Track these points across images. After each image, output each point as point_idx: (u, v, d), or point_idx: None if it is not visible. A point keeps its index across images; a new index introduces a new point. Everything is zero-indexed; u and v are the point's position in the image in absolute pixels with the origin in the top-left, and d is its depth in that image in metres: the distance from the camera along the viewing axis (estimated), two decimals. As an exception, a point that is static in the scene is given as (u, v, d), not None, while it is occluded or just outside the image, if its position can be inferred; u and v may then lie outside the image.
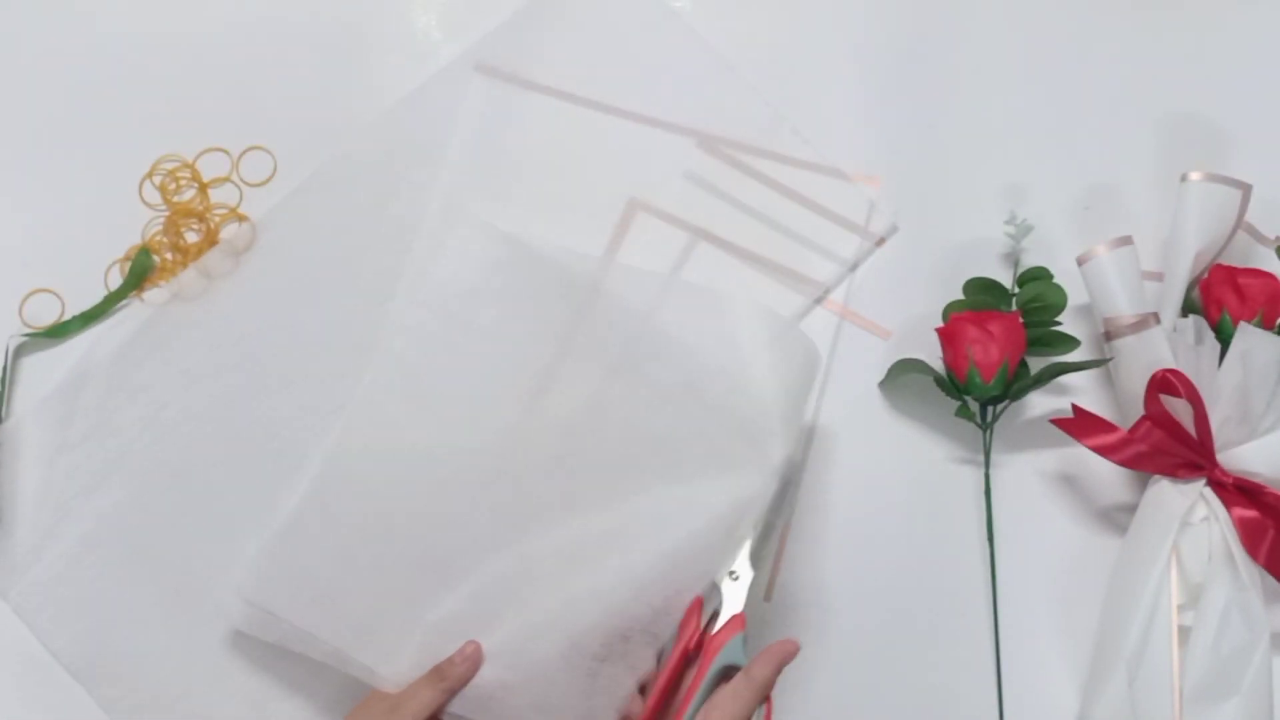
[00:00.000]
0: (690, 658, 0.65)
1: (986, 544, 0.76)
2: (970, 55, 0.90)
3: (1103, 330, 0.78)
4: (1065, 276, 0.79)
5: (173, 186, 0.85)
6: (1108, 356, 0.78)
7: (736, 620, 0.66)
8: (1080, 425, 0.74)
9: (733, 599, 0.66)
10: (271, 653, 0.70)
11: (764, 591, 0.76)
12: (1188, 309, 0.79)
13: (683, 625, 0.65)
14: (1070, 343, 0.78)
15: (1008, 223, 0.81)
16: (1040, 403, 0.80)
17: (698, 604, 0.66)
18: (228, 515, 0.75)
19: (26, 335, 0.80)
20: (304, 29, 0.89)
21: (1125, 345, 0.76)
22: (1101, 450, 0.73)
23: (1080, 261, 0.78)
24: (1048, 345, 0.78)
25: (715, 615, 0.66)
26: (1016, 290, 0.81)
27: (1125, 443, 0.73)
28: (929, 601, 0.75)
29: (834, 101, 0.89)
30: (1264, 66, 0.90)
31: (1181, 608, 0.71)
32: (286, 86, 0.88)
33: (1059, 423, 0.75)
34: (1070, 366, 0.77)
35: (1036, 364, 0.78)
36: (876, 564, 0.77)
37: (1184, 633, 0.71)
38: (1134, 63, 0.90)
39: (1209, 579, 0.71)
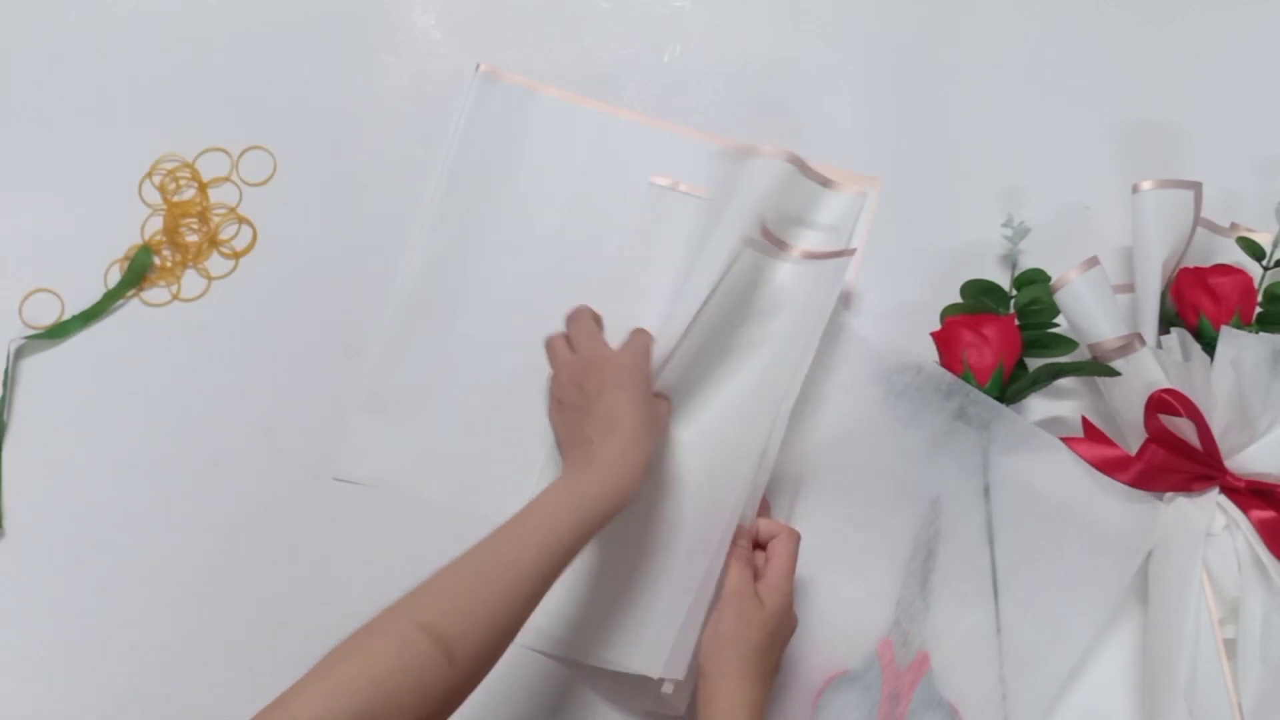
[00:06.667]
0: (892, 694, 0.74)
1: (987, 546, 0.77)
2: (969, 59, 0.90)
3: (1090, 357, 0.78)
4: (1054, 263, 0.79)
5: (173, 186, 0.85)
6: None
7: (923, 657, 0.73)
8: (1089, 445, 0.74)
9: (916, 637, 0.74)
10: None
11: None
12: (1163, 317, 0.79)
13: (884, 667, 0.73)
14: (1068, 344, 0.78)
15: (1005, 225, 0.82)
16: (1040, 406, 0.80)
17: (888, 645, 0.73)
18: None
19: (27, 337, 0.80)
20: (304, 29, 0.89)
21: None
22: (1110, 470, 0.74)
23: (1053, 289, 0.77)
24: (1045, 347, 0.78)
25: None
26: (1014, 293, 0.81)
27: (1134, 464, 0.74)
28: (931, 600, 0.76)
29: (832, 103, 0.89)
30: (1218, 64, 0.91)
31: (1222, 622, 0.71)
32: (286, 86, 0.88)
33: (1070, 441, 0.75)
34: (1067, 368, 0.77)
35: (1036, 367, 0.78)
36: (877, 565, 0.77)
37: (1230, 646, 0.70)
38: (1134, 65, 0.90)
39: (1243, 589, 0.71)
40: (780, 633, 0.69)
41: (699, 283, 0.76)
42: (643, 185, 0.86)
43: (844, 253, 0.80)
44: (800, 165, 0.83)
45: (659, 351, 0.76)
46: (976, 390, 0.76)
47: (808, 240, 0.82)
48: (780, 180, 0.82)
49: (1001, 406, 0.76)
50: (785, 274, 0.81)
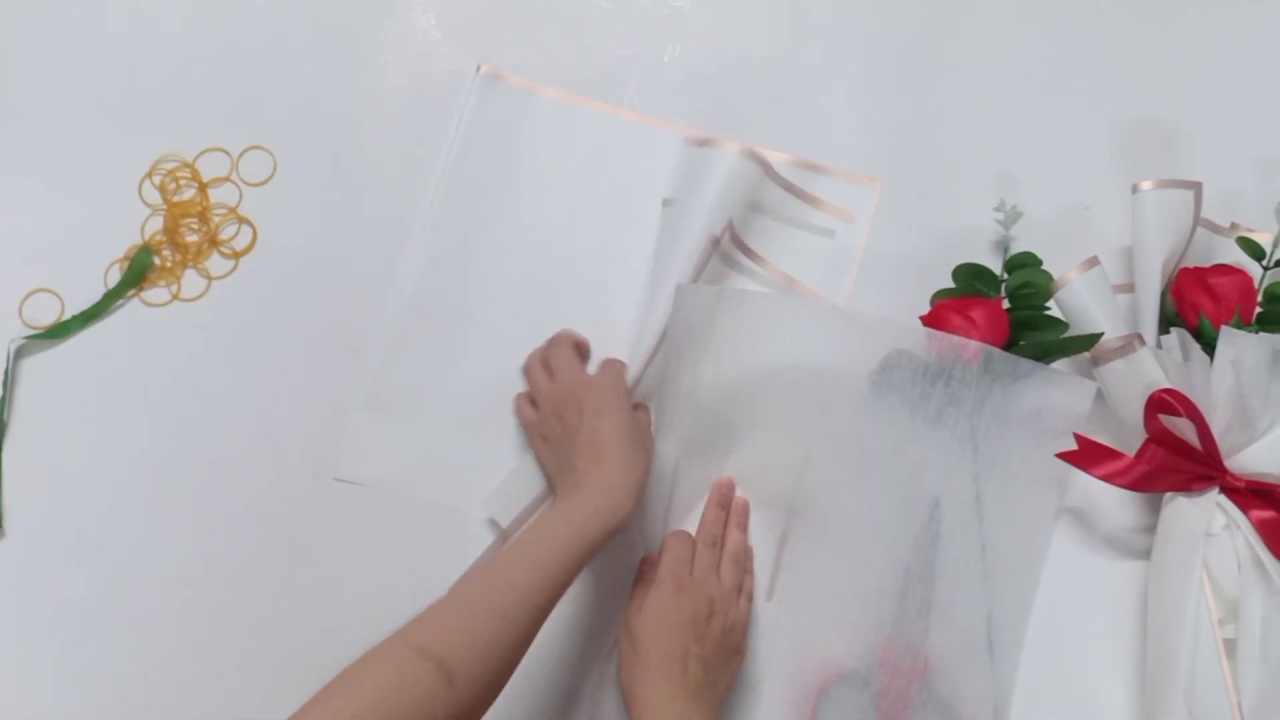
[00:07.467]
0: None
1: (984, 544, 0.77)
2: (969, 58, 0.90)
3: (1089, 356, 0.78)
4: (1054, 263, 0.79)
5: (172, 186, 0.85)
6: (1093, 375, 0.77)
7: (923, 656, 0.74)
8: (1086, 456, 0.74)
9: (916, 636, 0.74)
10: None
11: (765, 592, 0.77)
12: (1163, 317, 0.79)
13: (884, 667, 0.74)
14: (1059, 326, 0.78)
15: (997, 209, 0.82)
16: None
17: (889, 644, 0.73)
18: None
19: (27, 337, 0.80)
20: (304, 29, 0.89)
21: (1114, 370, 0.76)
22: (1110, 478, 0.73)
23: (1053, 289, 0.78)
24: (1037, 329, 0.78)
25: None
26: (1006, 276, 0.81)
27: (1133, 467, 0.73)
28: (925, 575, 0.76)
29: (832, 103, 0.89)
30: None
31: (1222, 622, 0.71)
32: (286, 86, 0.88)
33: (1065, 456, 0.74)
34: (1051, 346, 0.77)
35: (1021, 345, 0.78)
36: (875, 565, 0.77)
37: (1230, 646, 0.70)
38: (1134, 65, 0.90)
39: (1243, 589, 0.71)
40: (672, 615, 0.69)
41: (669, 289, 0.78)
42: (642, 185, 0.86)
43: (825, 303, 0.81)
44: (787, 185, 0.84)
45: (635, 362, 0.77)
46: (963, 371, 0.76)
47: (793, 248, 0.84)
48: (757, 182, 0.83)
49: (987, 384, 0.76)
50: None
